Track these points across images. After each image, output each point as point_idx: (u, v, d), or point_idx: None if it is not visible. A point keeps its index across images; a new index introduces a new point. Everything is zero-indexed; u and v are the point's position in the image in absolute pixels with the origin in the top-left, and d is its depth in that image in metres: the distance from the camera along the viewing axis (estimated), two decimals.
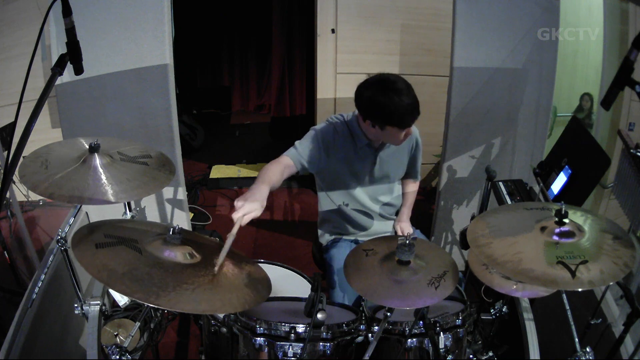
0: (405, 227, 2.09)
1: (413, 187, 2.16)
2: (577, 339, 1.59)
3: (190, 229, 2.89)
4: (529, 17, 2.50)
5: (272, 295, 1.34)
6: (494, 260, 1.23)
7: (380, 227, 2.08)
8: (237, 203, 1.38)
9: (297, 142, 1.82)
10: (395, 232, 2.10)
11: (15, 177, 1.46)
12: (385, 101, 1.65)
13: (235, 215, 1.36)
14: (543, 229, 1.28)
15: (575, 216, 1.32)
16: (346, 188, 1.97)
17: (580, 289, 1.13)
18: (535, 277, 1.15)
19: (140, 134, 2.48)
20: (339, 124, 1.87)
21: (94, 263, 1.15)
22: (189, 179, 4.36)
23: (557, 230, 1.26)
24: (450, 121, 2.69)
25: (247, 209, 1.37)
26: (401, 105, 1.64)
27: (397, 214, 2.14)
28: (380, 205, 2.04)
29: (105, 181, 1.45)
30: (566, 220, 1.26)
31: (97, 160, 1.48)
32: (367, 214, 2.03)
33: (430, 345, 1.43)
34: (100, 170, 1.47)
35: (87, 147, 1.50)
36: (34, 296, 1.86)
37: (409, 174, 2.11)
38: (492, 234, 1.32)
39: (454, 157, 2.80)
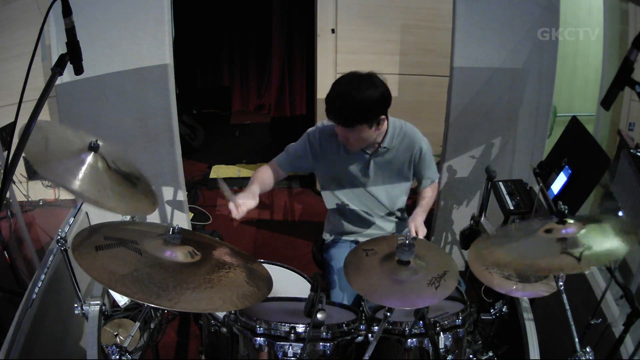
0: (420, 228, 1.87)
1: (428, 192, 2.03)
2: (577, 339, 1.58)
3: (190, 229, 2.89)
4: (529, 17, 2.50)
5: (272, 295, 1.34)
6: (499, 263, 1.23)
7: (381, 229, 2.07)
8: (232, 204, 1.59)
9: (288, 147, 1.93)
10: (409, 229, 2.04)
11: (15, 177, 1.46)
12: (335, 82, 1.70)
13: (233, 213, 1.58)
14: (548, 231, 1.28)
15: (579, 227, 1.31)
16: (342, 188, 1.98)
17: (587, 271, 1.13)
18: (541, 268, 1.15)
19: (140, 133, 2.48)
20: (329, 125, 1.87)
21: (94, 266, 1.15)
22: (189, 179, 4.36)
23: (563, 231, 1.25)
24: (450, 121, 2.69)
25: (242, 198, 1.60)
26: (330, 97, 1.66)
27: (397, 217, 2.12)
28: (378, 207, 2.03)
29: (82, 179, 1.41)
30: (570, 221, 1.26)
31: (90, 159, 1.46)
32: (367, 214, 2.03)
33: (430, 345, 1.43)
34: (87, 169, 1.44)
35: (88, 143, 1.49)
36: (34, 296, 1.86)
37: (422, 182, 2.02)
38: (494, 245, 1.32)
39: (454, 157, 2.80)
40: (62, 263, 1.97)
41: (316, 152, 1.87)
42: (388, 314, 1.34)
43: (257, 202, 1.65)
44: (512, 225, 1.98)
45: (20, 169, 3.28)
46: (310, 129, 1.92)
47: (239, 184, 4.44)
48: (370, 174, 1.92)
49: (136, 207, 1.55)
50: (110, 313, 2.14)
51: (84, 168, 1.44)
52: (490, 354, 1.86)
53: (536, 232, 1.30)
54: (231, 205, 1.59)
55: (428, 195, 2.01)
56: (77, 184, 1.40)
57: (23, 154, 0.98)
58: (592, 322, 1.65)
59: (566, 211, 1.28)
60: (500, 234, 1.48)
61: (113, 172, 1.53)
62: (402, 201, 2.10)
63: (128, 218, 2.05)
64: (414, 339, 1.45)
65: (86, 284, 2.18)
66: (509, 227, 2.02)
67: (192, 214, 3.77)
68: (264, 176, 1.85)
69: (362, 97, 1.61)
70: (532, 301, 1.94)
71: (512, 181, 2.39)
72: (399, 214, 2.11)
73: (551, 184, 2.10)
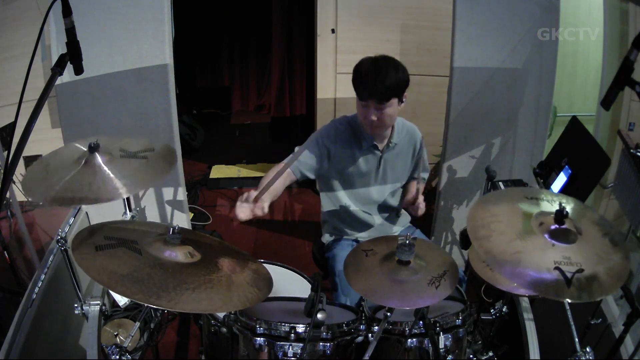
0: (421, 204, 1.88)
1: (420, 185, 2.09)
2: (577, 339, 1.59)
3: (190, 229, 2.89)
4: (529, 17, 2.50)
5: (272, 295, 1.34)
6: (493, 257, 1.22)
7: (382, 228, 2.07)
8: (241, 199, 1.48)
9: (297, 149, 1.81)
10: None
11: (15, 177, 1.47)
12: (358, 65, 1.71)
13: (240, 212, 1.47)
14: (542, 224, 1.27)
15: (574, 211, 1.31)
16: (348, 188, 1.97)
17: (570, 301, 1.11)
18: (531, 282, 1.14)
19: (140, 134, 2.48)
20: (341, 126, 1.87)
21: (94, 266, 1.15)
22: (189, 179, 4.36)
23: (554, 227, 1.24)
24: (450, 121, 2.69)
25: (255, 210, 1.48)
26: (362, 73, 1.68)
27: (397, 215, 2.12)
28: (382, 206, 2.04)
29: (114, 177, 1.47)
30: (565, 220, 1.25)
31: (99, 158, 1.49)
32: (369, 215, 2.03)
33: (430, 345, 1.43)
34: (105, 167, 1.48)
35: (86, 148, 1.51)
36: (34, 296, 1.86)
37: (415, 176, 2.05)
38: (492, 225, 1.30)
39: (454, 157, 2.80)
40: (62, 263, 1.97)
41: (330, 153, 1.85)
42: (388, 314, 1.34)
43: (265, 212, 1.53)
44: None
45: (20, 168, 3.28)
46: (320, 132, 1.86)
47: (239, 184, 4.45)
48: (380, 171, 1.93)
49: (157, 174, 1.58)
50: (110, 313, 2.14)
51: (100, 172, 1.47)
52: (490, 354, 1.86)
53: (530, 219, 1.28)
54: (242, 206, 1.50)
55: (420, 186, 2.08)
56: (107, 189, 1.44)
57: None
58: (592, 322, 1.65)
59: (566, 211, 1.28)
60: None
61: (122, 160, 1.56)
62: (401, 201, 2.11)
63: (129, 217, 2.05)
64: (414, 339, 1.45)
65: (86, 284, 2.18)
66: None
67: (192, 214, 3.77)
68: (277, 187, 1.69)
69: (393, 71, 1.68)
70: (532, 301, 1.94)
71: (512, 181, 2.39)
72: (398, 213, 2.12)
73: (551, 184, 2.10)
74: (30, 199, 1.39)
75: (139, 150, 1.63)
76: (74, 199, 1.40)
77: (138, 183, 1.52)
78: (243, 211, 1.49)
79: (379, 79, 1.67)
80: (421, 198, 1.84)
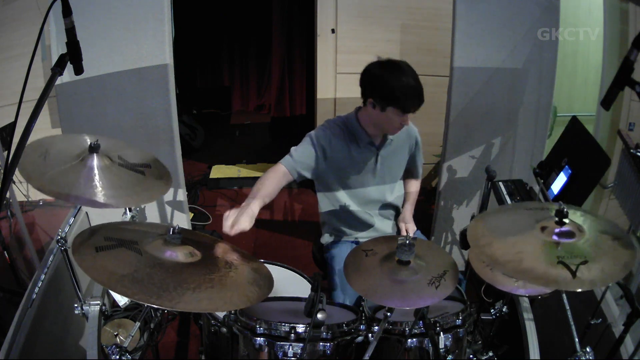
0: (410, 226, 2.07)
1: (415, 185, 2.16)
2: (577, 339, 1.59)
3: (191, 229, 2.89)
4: (529, 17, 2.50)
5: (272, 295, 1.34)
6: (496, 260, 1.23)
7: (381, 228, 2.07)
8: (227, 214, 1.46)
9: (292, 149, 1.82)
10: (399, 229, 2.10)
11: (15, 177, 1.46)
12: (392, 79, 1.68)
13: (225, 230, 1.44)
14: (543, 228, 1.28)
15: (575, 216, 1.32)
16: (347, 188, 1.97)
17: (579, 289, 1.13)
18: (536, 277, 1.15)
19: (140, 134, 2.48)
20: (335, 126, 1.87)
21: (94, 266, 1.15)
22: (189, 179, 4.36)
23: (557, 230, 1.26)
24: (450, 121, 2.69)
25: (239, 225, 1.45)
26: (406, 86, 1.67)
27: (397, 213, 2.14)
28: (381, 205, 2.04)
29: (98, 183, 1.41)
30: (566, 221, 1.26)
31: (95, 161, 1.45)
32: (368, 214, 2.03)
33: (430, 345, 1.43)
34: (95, 172, 1.43)
35: (88, 145, 1.49)
36: (34, 296, 1.86)
37: (411, 173, 2.11)
38: (493, 234, 1.32)
39: (454, 157, 2.80)
40: (62, 263, 1.98)
41: (326, 153, 1.84)
42: (388, 314, 1.34)
43: (252, 224, 1.51)
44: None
45: None
46: (315, 132, 1.85)
47: (239, 184, 4.45)
48: (378, 168, 1.93)
49: (148, 195, 1.53)
50: (110, 313, 2.15)
51: (89, 174, 1.43)
52: (490, 354, 1.86)
53: (534, 227, 1.29)
54: (226, 225, 1.48)
55: (414, 190, 2.15)
56: (89, 192, 1.40)
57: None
58: (592, 322, 1.65)
59: (566, 210, 1.28)
60: (498, 215, 1.47)
61: (119, 168, 1.52)
62: (402, 196, 2.11)
63: (129, 217, 2.05)
64: (414, 339, 1.45)
65: (86, 284, 2.18)
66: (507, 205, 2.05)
67: (192, 214, 3.77)
68: (270, 189, 1.68)
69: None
70: (532, 301, 1.94)
71: (512, 181, 2.39)
72: (397, 211, 2.12)
73: (551, 184, 2.10)
74: (23, 178, 1.37)
75: (137, 163, 1.58)
76: (56, 193, 1.37)
77: (124, 200, 1.47)
78: (226, 224, 1.47)
79: (420, 87, 1.70)
80: (411, 227, 2.04)
